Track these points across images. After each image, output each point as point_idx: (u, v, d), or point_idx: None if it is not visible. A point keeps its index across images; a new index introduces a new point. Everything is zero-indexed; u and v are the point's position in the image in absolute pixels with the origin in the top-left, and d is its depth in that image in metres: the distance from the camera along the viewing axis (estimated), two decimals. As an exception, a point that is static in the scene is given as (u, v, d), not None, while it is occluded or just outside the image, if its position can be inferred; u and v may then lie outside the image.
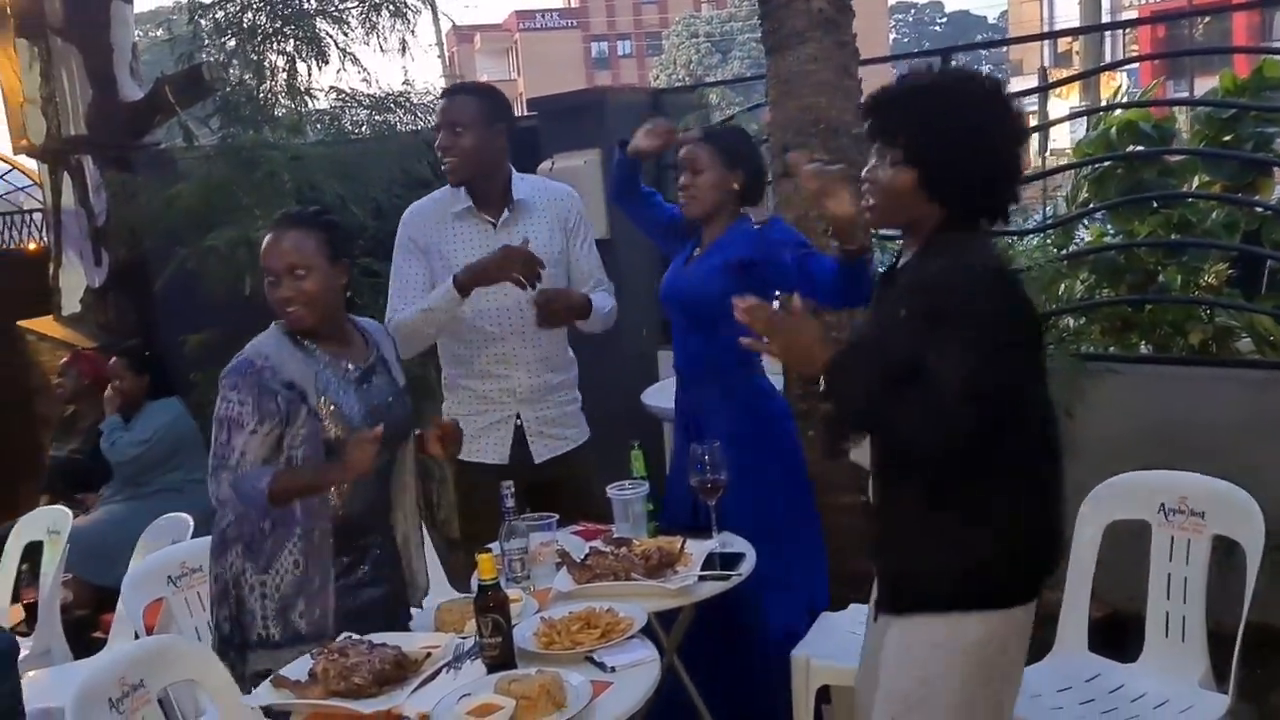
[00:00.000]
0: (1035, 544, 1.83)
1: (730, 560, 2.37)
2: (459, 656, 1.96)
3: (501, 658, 1.89)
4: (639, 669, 1.90)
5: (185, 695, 2.64)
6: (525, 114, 4.53)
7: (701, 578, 2.27)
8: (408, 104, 4.92)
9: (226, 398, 2.18)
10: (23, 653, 3.34)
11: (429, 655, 1.97)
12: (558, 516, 2.49)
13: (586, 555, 2.34)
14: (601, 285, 2.99)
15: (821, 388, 1.82)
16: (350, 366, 2.30)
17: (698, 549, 2.39)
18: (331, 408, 2.21)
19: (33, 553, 3.58)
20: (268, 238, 2.26)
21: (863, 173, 1.91)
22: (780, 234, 2.71)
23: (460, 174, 2.80)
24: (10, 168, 6.79)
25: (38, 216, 6.50)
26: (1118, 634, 2.65)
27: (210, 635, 2.71)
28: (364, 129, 4.86)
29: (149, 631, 2.76)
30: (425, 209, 2.90)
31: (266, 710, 2.04)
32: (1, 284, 5.98)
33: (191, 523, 3.21)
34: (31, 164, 6.10)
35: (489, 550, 1.97)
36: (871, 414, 1.79)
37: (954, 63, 4.27)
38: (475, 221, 2.83)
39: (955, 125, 1.79)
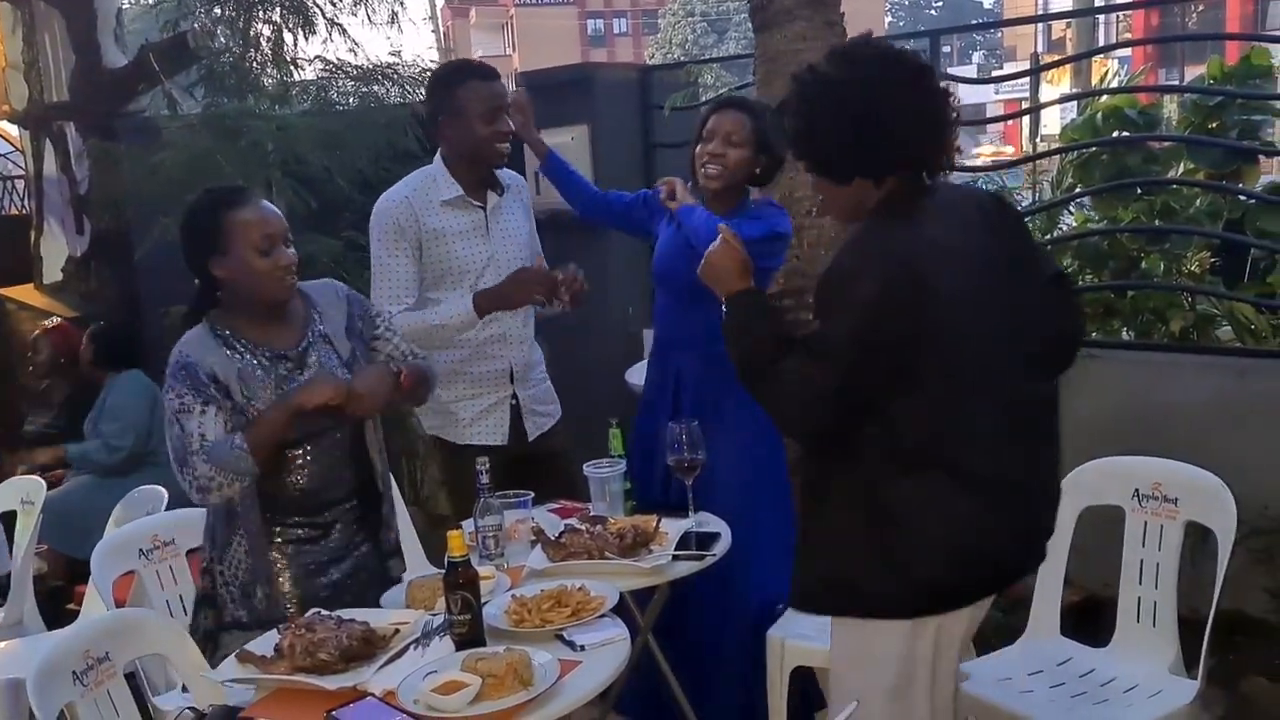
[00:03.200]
0: (953, 555, 1.74)
1: (705, 540, 2.36)
2: (427, 633, 1.95)
3: (470, 635, 1.88)
4: (608, 648, 1.89)
5: (155, 670, 2.64)
6: (514, 89, 4.50)
7: (676, 557, 2.27)
8: (396, 76, 4.87)
9: (169, 398, 2.16)
10: (-3, 623, 3.34)
11: (397, 632, 1.96)
12: (533, 494, 2.48)
13: (561, 533, 2.33)
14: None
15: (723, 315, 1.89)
16: (280, 356, 2.23)
17: (673, 528, 2.38)
18: (253, 406, 2.18)
19: (6, 523, 3.56)
20: (250, 209, 2.19)
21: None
22: (768, 215, 2.73)
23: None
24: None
25: (19, 183, 6.44)
26: (1091, 618, 2.66)
27: (179, 609, 2.73)
28: (351, 100, 4.82)
29: (119, 604, 2.75)
30: (409, 198, 2.75)
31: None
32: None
33: (166, 495, 3.19)
34: (13, 130, 6.03)
35: (459, 528, 1.96)
36: (749, 363, 1.83)
37: (945, 47, 4.25)
38: (466, 208, 2.80)
39: (814, 115, 1.79)
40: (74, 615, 3.44)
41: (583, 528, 2.36)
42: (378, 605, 2.21)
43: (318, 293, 2.36)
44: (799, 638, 2.49)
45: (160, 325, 4.49)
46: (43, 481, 3.51)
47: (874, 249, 1.74)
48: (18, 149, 5.87)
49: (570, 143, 4.28)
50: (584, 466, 2.58)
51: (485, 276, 2.78)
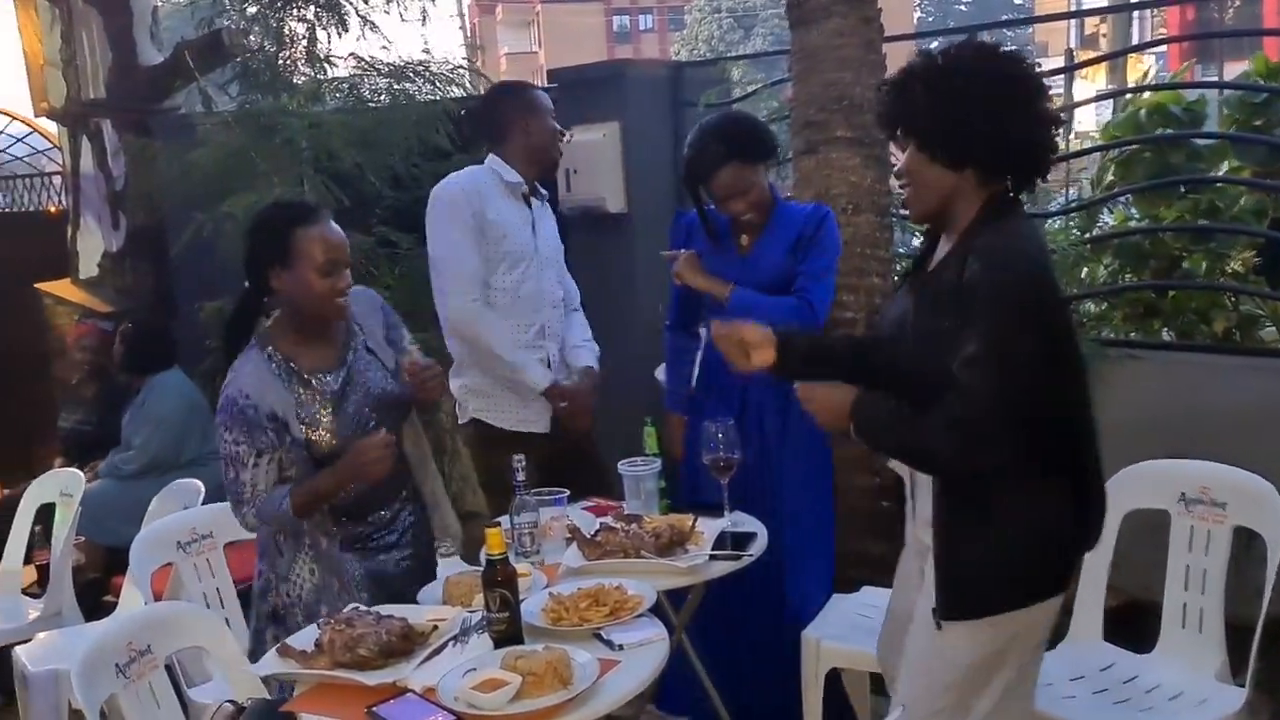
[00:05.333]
0: (1072, 538, 1.82)
1: (742, 540, 2.35)
2: (466, 630, 1.95)
3: (509, 633, 1.88)
4: (647, 647, 1.88)
5: (193, 662, 2.66)
6: (545, 85, 4.48)
7: (712, 557, 2.25)
8: (427, 73, 4.88)
9: (224, 438, 2.20)
10: (34, 614, 3.38)
11: (435, 628, 1.96)
12: (568, 492, 2.48)
13: (597, 531, 2.32)
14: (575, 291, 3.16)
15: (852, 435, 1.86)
16: (328, 380, 2.27)
17: (709, 527, 2.37)
18: (315, 434, 2.22)
19: (46, 515, 3.59)
20: (322, 229, 2.21)
21: (896, 169, 1.91)
22: (829, 232, 2.74)
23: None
24: (30, 130, 6.78)
25: (57, 180, 6.51)
26: (1133, 623, 2.62)
27: (215, 601, 2.75)
28: (383, 97, 4.82)
29: (157, 596, 2.77)
30: (472, 183, 2.87)
31: (274, 679, 2.04)
32: (21, 246, 6.00)
33: (203, 489, 3.21)
34: (52, 127, 6.09)
35: (497, 524, 1.95)
36: (905, 450, 1.83)
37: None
38: (520, 201, 2.93)
39: (955, 96, 1.76)
40: (111, 607, 3.48)
41: (618, 526, 2.35)
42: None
43: (357, 302, 2.38)
44: (835, 639, 2.48)
45: (195, 321, 4.55)
46: (81, 474, 3.55)
47: (1017, 254, 1.74)
48: (56, 146, 5.92)
49: (601, 140, 4.27)
50: (619, 465, 2.57)
51: (530, 269, 2.88)
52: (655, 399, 3.61)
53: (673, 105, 4.31)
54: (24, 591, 3.63)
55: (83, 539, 3.71)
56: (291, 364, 2.24)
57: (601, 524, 2.37)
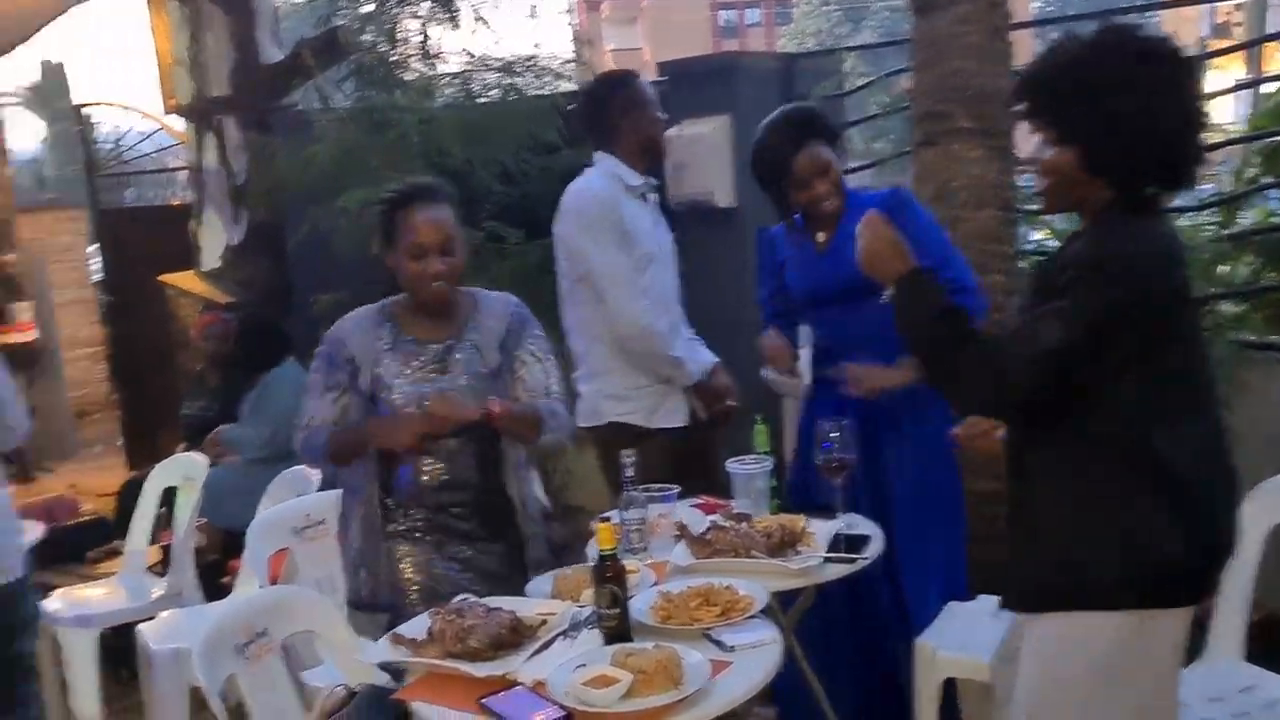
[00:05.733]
0: (1182, 548, 1.67)
1: (856, 542, 2.28)
2: (575, 625, 1.93)
3: (618, 629, 1.85)
4: (759, 650, 1.84)
5: (304, 646, 2.71)
6: (655, 79, 4.47)
7: (827, 559, 2.19)
8: (537, 68, 4.91)
9: (313, 364, 2.36)
10: (157, 593, 3.49)
11: (544, 622, 1.94)
12: (679, 489, 2.44)
13: (706, 529, 2.28)
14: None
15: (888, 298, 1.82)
16: (429, 349, 2.31)
17: (821, 529, 2.31)
18: (385, 392, 2.28)
19: (169, 498, 3.72)
20: (416, 213, 2.25)
21: (1028, 156, 1.81)
22: (917, 211, 2.69)
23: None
24: (159, 128, 7.05)
25: (181, 175, 6.76)
26: (1271, 641, 2.47)
27: (327, 587, 2.79)
28: (493, 93, 4.87)
29: (273, 580, 2.84)
30: (604, 186, 2.88)
31: (384, 666, 2.06)
32: (148, 239, 6.25)
33: (317, 476, 3.28)
34: (179, 124, 6.31)
35: (608, 520, 1.93)
36: (933, 339, 1.75)
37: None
38: (640, 198, 2.95)
39: (1111, 96, 1.64)
40: (228, 588, 3.58)
41: (728, 525, 2.30)
42: (522, 593, 2.20)
43: (488, 302, 2.44)
44: (951, 648, 2.39)
45: (310, 313, 4.66)
46: (205, 459, 3.66)
47: (1139, 238, 1.66)
48: (183, 142, 6.14)
49: (710, 133, 4.22)
50: (727, 463, 2.53)
51: (657, 267, 2.93)
52: (762, 396, 3.55)
53: (783, 98, 4.23)
54: (149, 569, 3.77)
55: (203, 521, 3.82)
56: (397, 323, 2.32)
57: (711, 522, 2.33)
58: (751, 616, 1.94)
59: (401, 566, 2.30)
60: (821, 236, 2.71)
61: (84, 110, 7.27)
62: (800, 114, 2.72)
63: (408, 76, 4.84)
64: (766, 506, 2.46)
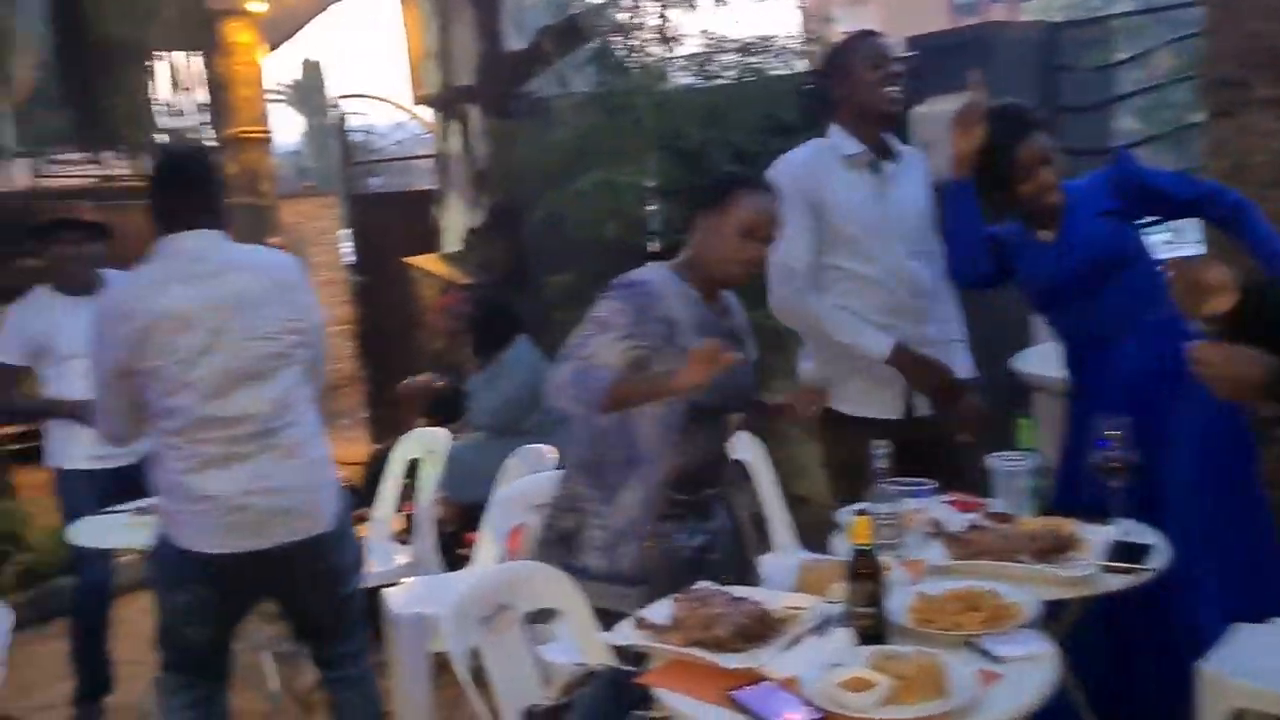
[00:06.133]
0: None
1: (1135, 552, 2.05)
2: (826, 622, 1.83)
3: (874, 630, 1.74)
4: (1032, 663, 1.68)
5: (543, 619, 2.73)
6: (903, 55, 4.27)
7: (1106, 568, 1.98)
8: (775, 48, 4.80)
9: (606, 304, 2.20)
10: (401, 560, 3.64)
11: (793, 616, 1.85)
12: (936, 484, 2.29)
13: (965, 529, 2.12)
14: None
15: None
16: (722, 324, 2.30)
17: (1094, 535, 2.10)
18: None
19: (412, 469, 3.87)
20: (763, 197, 2.25)
21: None
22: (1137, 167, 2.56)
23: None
24: (408, 118, 7.43)
25: (422, 163, 7.09)
26: None
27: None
28: (730, 74, 4.80)
29: (511, 555, 2.88)
30: (807, 159, 2.74)
31: (620, 650, 2.02)
32: (395, 223, 6.58)
33: (553, 454, 3.31)
34: (427, 114, 6.61)
35: (864, 513, 1.81)
36: None
37: None
38: (864, 169, 2.73)
39: None
40: (465, 560, 3.69)
41: (989, 525, 2.14)
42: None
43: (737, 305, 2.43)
44: (1244, 674, 2.12)
45: (542, 295, 4.76)
46: (448, 433, 3.79)
47: None
48: (430, 132, 6.42)
49: (961, 111, 3.98)
50: (988, 458, 2.35)
51: (877, 245, 2.68)
52: (1020, 389, 3.32)
53: (1043, 70, 3.94)
54: (394, 538, 3.94)
55: (442, 496, 3.95)
56: (696, 290, 2.27)
57: (969, 522, 2.17)
58: (1021, 626, 1.77)
59: (669, 543, 2.24)
60: (1046, 235, 2.55)
61: (340, 104, 7.76)
62: (1015, 108, 2.60)
63: (645, 60, 4.86)
64: (1029, 507, 2.26)
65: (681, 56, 4.95)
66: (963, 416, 2.74)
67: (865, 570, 1.74)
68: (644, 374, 2.17)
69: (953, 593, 1.86)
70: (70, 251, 3.51)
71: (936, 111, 4.01)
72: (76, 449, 3.45)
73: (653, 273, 2.27)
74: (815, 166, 2.70)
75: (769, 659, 1.73)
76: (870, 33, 2.82)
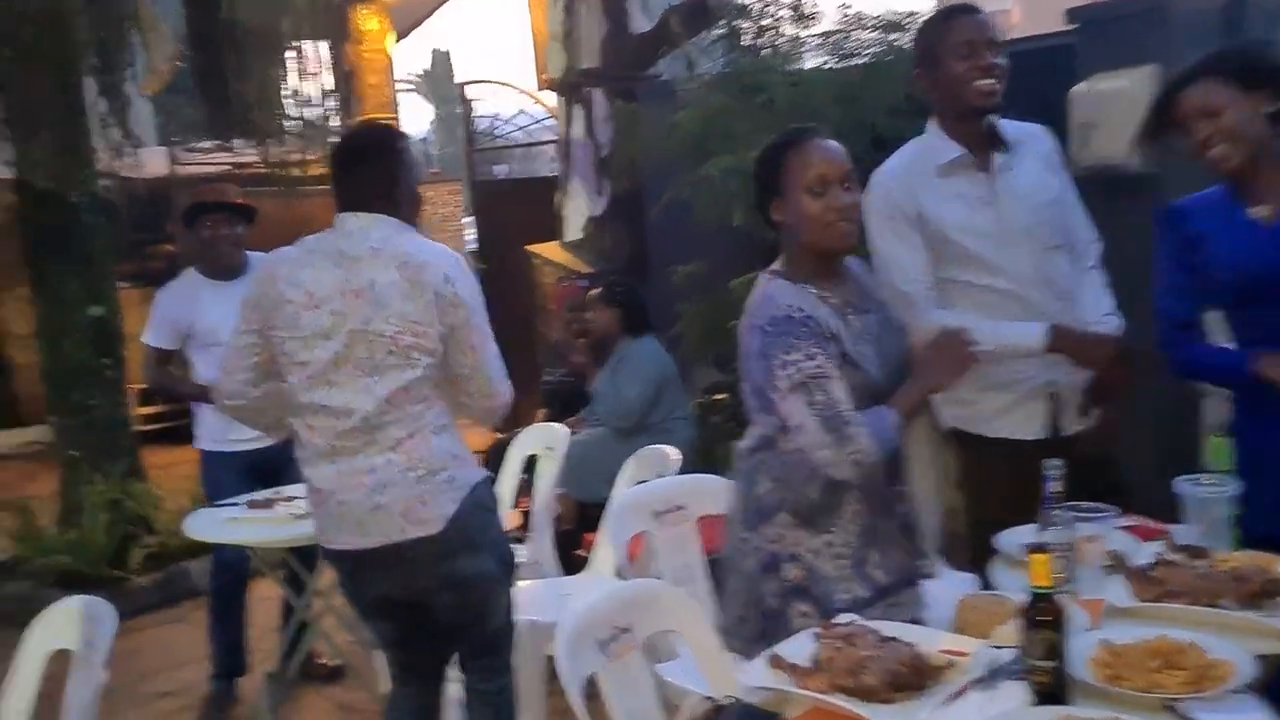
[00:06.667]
0: None
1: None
2: (994, 673, 1.59)
3: (1053, 687, 1.49)
4: (1251, 740, 1.41)
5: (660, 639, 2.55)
6: (1064, 28, 3.91)
7: (1333, 622, 1.69)
8: (916, 25, 4.50)
9: (789, 359, 1.89)
10: (518, 559, 3.50)
11: (952, 664, 1.62)
12: (1117, 509, 2.01)
13: (1153, 564, 1.84)
14: (1094, 244, 2.53)
15: None
16: (865, 318, 2.03)
17: (1309, 578, 1.79)
18: (863, 367, 1.96)
19: (531, 464, 3.74)
20: (810, 146, 1.98)
21: None
22: None
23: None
24: (531, 104, 7.35)
25: (543, 150, 6.99)
26: None
27: (683, 577, 2.60)
28: (869, 52, 4.52)
29: (631, 565, 2.71)
30: (903, 171, 2.41)
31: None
32: (517, 210, 6.50)
33: (678, 458, 3.13)
34: (550, 100, 6.50)
35: (1044, 549, 1.56)
36: None
37: None
38: (968, 171, 2.39)
39: None
40: (581, 561, 3.54)
41: (1180, 559, 1.85)
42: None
43: (859, 265, 2.15)
44: None
45: (667, 285, 4.58)
46: (567, 430, 3.64)
47: None
48: (553, 116, 6.31)
49: (1127, 88, 3.61)
50: (1177, 481, 2.05)
51: (999, 254, 2.36)
52: (1191, 399, 2.97)
53: (1228, 43, 3.54)
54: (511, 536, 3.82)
55: (561, 492, 3.82)
56: (826, 296, 1.99)
57: (1157, 555, 1.89)
58: (1231, 689, 1.50)
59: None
60: (1266, 210, 2.13)
61: (466, 91, 7.72)
62: (1219, 51, 2.19)
63: (776, 40, 4.63)
64: (1228, 540, 1.96)
65: (816, 35, 4.70)
66: (1102, 429, 2.41)
67: (1045, 617, 1.50)
68: (904, 391, 1.98)
69: (1146, 644, 1.59)
70: (219, 233, 3.56)
71: (1100, 90, 3.67)
72: (221, 431, 3.49)
73: (780, 291, 1.98)
74: (911, 178, 2.37)
75: (926, 714, 1.50)
76: (960, 9, 2.39)
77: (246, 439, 3.31)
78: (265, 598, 3.78)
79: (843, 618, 1.79)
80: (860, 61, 4.51)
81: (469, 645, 2.50)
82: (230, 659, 3.63)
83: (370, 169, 2.37)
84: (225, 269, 3.54)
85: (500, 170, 8.10)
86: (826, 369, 1.88)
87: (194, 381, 3.58)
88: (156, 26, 6.14)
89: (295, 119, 7.25)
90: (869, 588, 1.93)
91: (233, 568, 3.58)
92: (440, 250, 2.38)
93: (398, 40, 8.32)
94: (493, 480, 2.55)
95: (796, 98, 4.21)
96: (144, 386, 5.10)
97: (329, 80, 6.98)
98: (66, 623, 1.99)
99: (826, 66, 4.54)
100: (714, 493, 2.57)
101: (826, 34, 4.68)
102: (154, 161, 7.50)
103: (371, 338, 2.26)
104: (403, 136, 2.58)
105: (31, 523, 4.91)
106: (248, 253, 3.56)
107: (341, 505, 2.31)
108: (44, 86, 4.85)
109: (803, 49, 4.65)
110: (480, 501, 2.41)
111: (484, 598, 2.45)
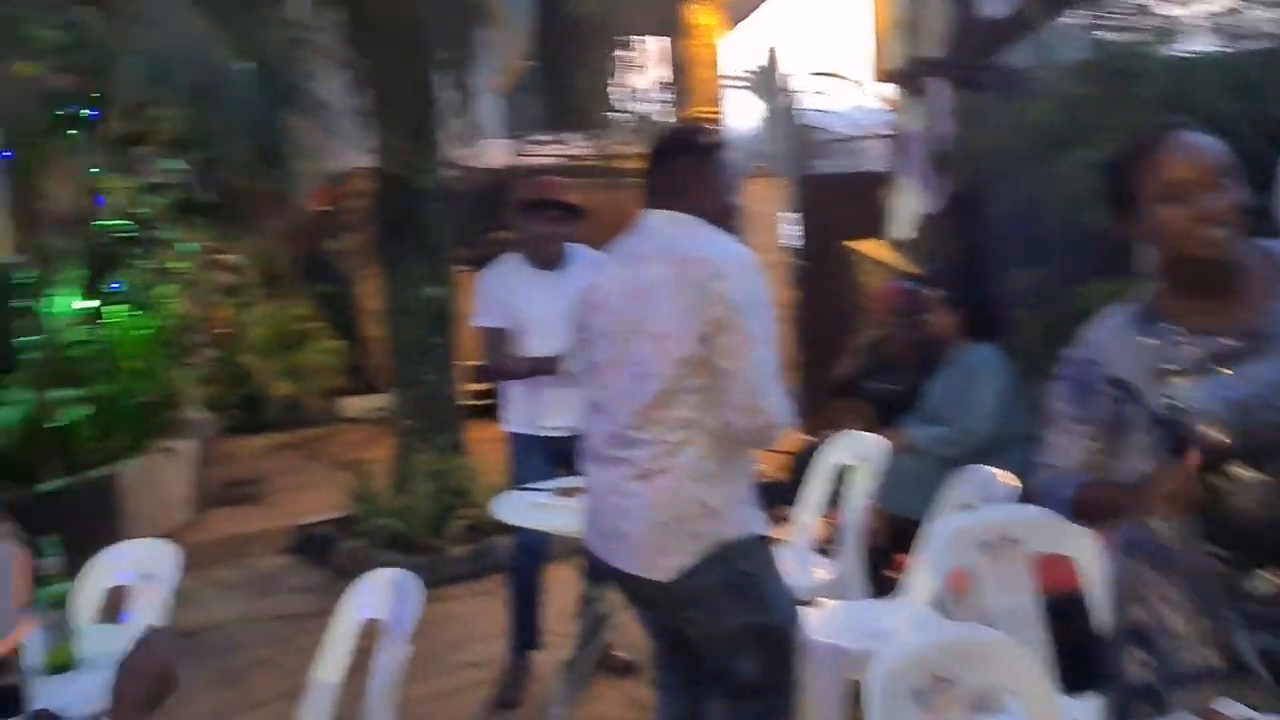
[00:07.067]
0: None
1: None
2: None
3: None
4: None
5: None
6: None
7: None
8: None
9: (1054, 388, 1.83)
10: (821, 574, 3.30)
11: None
12: None
13: None
14: None
15: None
16: (1215, 343, 1.65)
17: None
18: (1171, 404, 1.64)
19: (842, 474, 3.51)
20: (1161, 151, 1.66)
21: None
22: None
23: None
24: (861, 96, 7.06)
25: (869, 144, 6.67)
26: None
27: (1013, 621, 2.29)
28: (1266, 35, 3.90)
29: (951, 597, 2.43)
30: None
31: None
32: (841, 206, 6.25)
33: (1009, 481, 2.80)
34: (886, 92, 6.19)
35: None
36: None
37: None
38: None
39: None
40: (892, 583, 3.27)
41: None
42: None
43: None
44: None
45: (1000, 290, 4.17)
46: (884, 443, 3.38)
47: None
48: (888, 108, 6.00)
49: None
50: None
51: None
52: None
53: None
54: (816, 548, 3.61)
55: (873, 505, 3.55)
56: (1166, 318, 1.70)
57: None
58: None
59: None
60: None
61: (795, 84, 7.53)
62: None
63: (1150, 21, 4.10)
64: None
65: (1199, 16, 4.13)
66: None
67: None
68: (1109, 487, 1.73)
69: None
70: (549, 230, 3.62)
71: None
72: (527, 413, 3.56)
73: (1100, 324, 1.77)
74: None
75: None
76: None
77: (553, 424, 3.33)
78: (567, 580, 3.82)
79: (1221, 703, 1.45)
80: (1255, 46, 3.91)
81: (721, 687, 2.33)
82: (524, 635, 3.69)
83: (672, 167, 2.32)
84: (548, 261, 3.60)
85: (826, 165, 7.87)
86: (1060, 416, 1.78)
87: (527, 358, 3.58)
88: (507, 23, 6.43)
89: (629, 113, 7.38)
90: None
91: (533, 551, 3.62)
92: (723, 247, 2.21)
93: (727, 32, 8.30)
94: (764, 540, 2.32)
95: (1174, 86, 3.70)
96: (476, 364, 5.34)
97: (661, 74, 7.05)
98: (376, 594, 2.03)
99: (1212, 52, 3.98)
100: (1052, 528, 2.26)
101: (1212, 15, 4.11)
102: (496, 153, 7.93)
103: (636, 340, 2.19)
104: (711, 134, 2.47)
105: (369, 485, 5.28)
106: (569, 245, 3.61)
107: (594, 511, 2.32)
108: (399, 79, 5.18)
109: (1182, 31, 4.10)
110: (727, 559, 2.20)
111: (724, 651, 2.28)
